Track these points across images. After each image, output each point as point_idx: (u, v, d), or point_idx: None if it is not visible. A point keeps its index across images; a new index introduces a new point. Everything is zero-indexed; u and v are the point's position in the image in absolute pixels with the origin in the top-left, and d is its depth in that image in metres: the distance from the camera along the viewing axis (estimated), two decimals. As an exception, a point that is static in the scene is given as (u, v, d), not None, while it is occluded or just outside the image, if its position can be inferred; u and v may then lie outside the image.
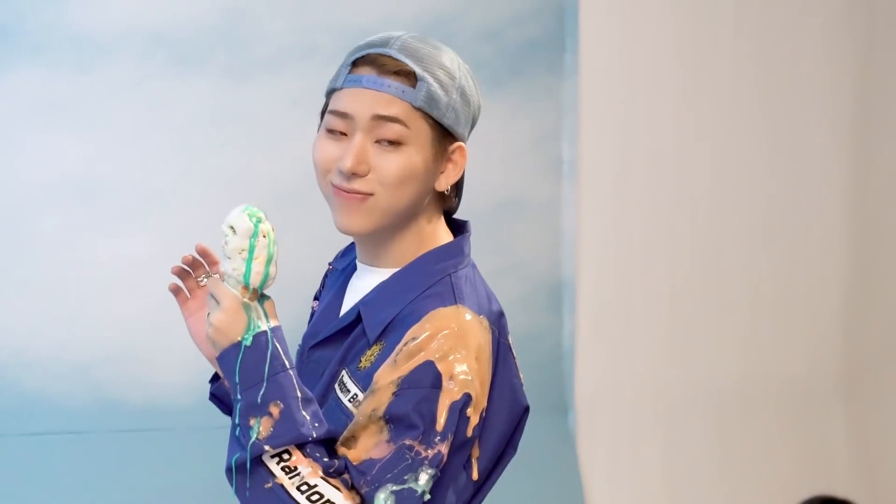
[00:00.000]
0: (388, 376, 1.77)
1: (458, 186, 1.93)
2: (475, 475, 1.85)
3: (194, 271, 1.96)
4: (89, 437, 4.01)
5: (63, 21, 3.96)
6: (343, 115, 1.83)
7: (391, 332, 1.83)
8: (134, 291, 3.99)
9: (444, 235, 1.92)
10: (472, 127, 1.92)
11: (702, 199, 4.36)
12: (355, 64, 1.84)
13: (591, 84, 4.21)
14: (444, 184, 1.87)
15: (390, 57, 1.83)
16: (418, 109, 1.82)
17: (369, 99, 1.81)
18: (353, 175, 1.81)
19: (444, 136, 1.85)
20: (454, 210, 1.96)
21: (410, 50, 1.84)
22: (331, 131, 1.84)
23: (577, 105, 4.21)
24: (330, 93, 1.87)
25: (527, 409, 1.91)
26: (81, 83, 3.97)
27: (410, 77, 1.82)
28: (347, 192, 1.82)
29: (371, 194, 1.82)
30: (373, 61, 1.83)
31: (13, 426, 3.97)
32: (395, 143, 1.81)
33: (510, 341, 1.90)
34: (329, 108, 1.86)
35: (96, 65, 3.98)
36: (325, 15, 4.05)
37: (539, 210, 4.24)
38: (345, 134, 1.83)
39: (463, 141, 1.88)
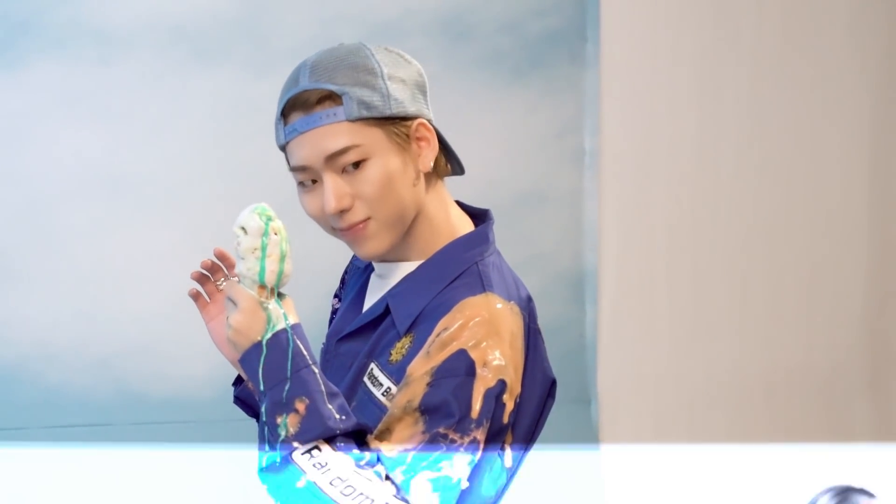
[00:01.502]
0: (421, 367, 1.77)
1: (445, 151, 1.92)
2: (509, 461, 1.85)
3: (213, 275, 1.97)
4: (111, 429, 4.02)
5: (84, 15, 3.96)
6: (301, 169, 1.85)
7: (421, 324, 1.84)
8: (155, 285, 4.00)
9: (460, 218, 1.93)
10: (425, 94, 1.90)
11: (724, 189, 4.35)
12: (284, 114, 1.85)
13: (612, 75, 4.19)
14: (426, 163, 1.87)
15: (307, 91, 1.83)
16: (357, 120, 1.82)
17: (312, 141, 1.82)
18: (342, 212, 1.83)
19: (399, 124, 1.84)
20: (457, 168, 1.95)
21: (319, 72, 1.84)
22: (302, 184, 1.87)
23: (599, 96, 4.20)
24: (282, 149, 1.89)
25: (554, 383, 1.92)
26: (102, 76, 3.97)
27: (333, 97, 1.82)
28: (348, 228, 1.84)
29: (367, 219, 1.84)
30: (294, 104, 1.84)
31: (37, 419, 3.99)
32: (359, 163, 1.82)
33: (539, 326, 1.90)
34: (289, 166, 1.88)
35: (117, 58, 3.98)
36: (346, 7, 4.05)
37: (561, 201, 4.24)
38: (315, 180, 1.85)
39: (421, 116, 1.87)
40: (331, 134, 1.82)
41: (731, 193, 4.36)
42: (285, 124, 1.85)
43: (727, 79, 4.33)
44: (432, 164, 1.88)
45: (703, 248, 4.33)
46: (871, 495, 1.37)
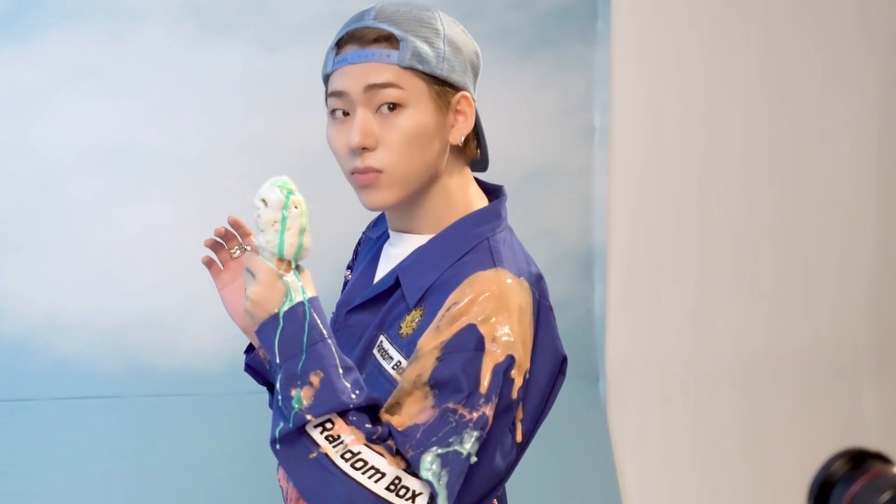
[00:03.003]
0: (431, 342, 1.78)
1: (477, 137, 1.94)
2: (519, 437, 1.86)
3: (227, 243, 1.97)
4: (120, 401, 4.02)
5: (95, -13, 3.95)
6: (339, 94, 1.85)
7: (431, 297, 1.84)
8: (165, 257, 3.99)
9: (478, 199, 1.93)
10: (475, 73, 1.92)
11: (732, 168, 4.33)
12: (339, 45, 1.87)
13: (622, 52, 4.18)
14: (457, 136, 1.88)
15: (368, 28, 1.85)
16: (408, 68, 1.83)
17: (358, 72, 1.84)
18: (364, 150, 1.83)
19: (444, 88, 1.86)
20: (483, 164, 1.97)
21: (386, 15, 1.86)
22: (334, 113, 1.87)
23: (609, 73, 4.18)
24: (325, 80, 1.89)
25: (565, 360, 1.92)
26: (113, 50, 3.95)
27: (392, 40, 1.84)
28: (362, 172, 1.84)
29: (381, 171, 1.84)
30: (352, 37, 1.85)
31: (45, 390, 3.98)
32: (394, 107, 1.83)
33: (550, 303, 1.91)
34: (327, 93, 1.88)
35: (128, 31, 3.96)
36: (356, -18, 4.03)
37: (570, 178, 4.22)
38: (347, 113, 1.85)
39: (466, 90, 1.88)
40: (378, 69, 1.83)
41: (741, 172, 4.34)
42: (336, 54, 1.87)
43: (737, 57, 4.31)
44: (462, 139, 1.88)
45: (711, 227, 4.32)
46: (887, 461, 1.36)
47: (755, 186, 4.35)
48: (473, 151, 1.93)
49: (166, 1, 3.97)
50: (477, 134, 1.93)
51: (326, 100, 1.89)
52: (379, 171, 1.83)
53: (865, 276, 4.49)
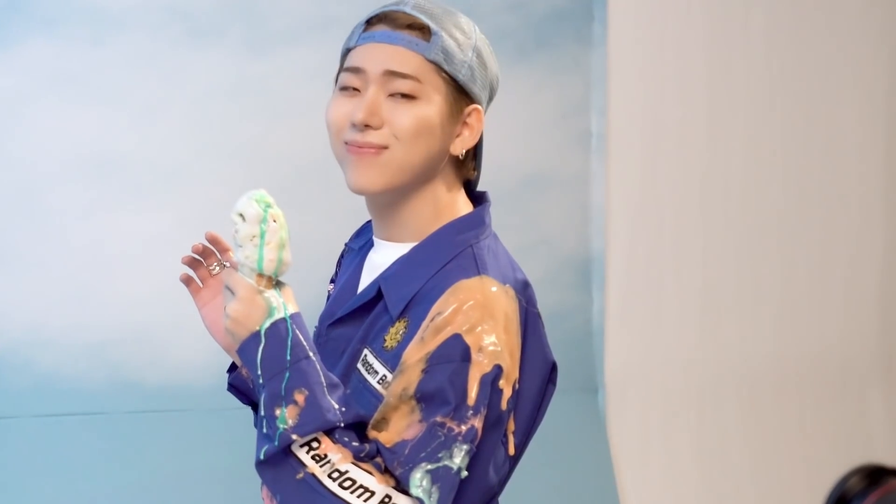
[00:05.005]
0: (416, 354, 1.74)
1: (476, 156, 1.91)
2: (512, 450, 1.83)
3: (205, 260, 1.93)
4: (105, 418, 4.00)
5: (76, -8, 3.93)
6: (356, 70, 1.82)
7: (414, 308, 1.80)
8: (150, 270, 3.99)
9: (464, 207, 1.89)
10: (491, 96, 1.90)
11: (734, 173, 4.34)
12: (369, 22, 1.84)
13: (619, 55, 4.17)
14: (459, 147, 1.85)
15: (403, 13, 1.83)
16: (432, 62, 1.81)
17: (382, 53, 1.81)
18: (366, 127, 1.79)
19: (460, 95, 1.83)
20: (474, 183, 1.93)
21: (424, 8, 1.84)
22: (344, 89, 1.84)
23: (606, 76, 4.17)
24: (344, 54, 1.86)
25: (554, 367, 1.89)
26: (95, 56, 3.96)
27: (424, 31, 1.82)
28: (361, 146, 1.80)
29: (385, 147, 1.80)
30: (385, 17, 1.84)
31: (28, 407, 3.96)
32: (408, 97, 1.80)
33: (538, 310, 1.86)
34: (343, 67, 1.85)
35: (110, 38, 3.96)
36: (345, -14, 4.02)
37: (567, 185, 4.22)
38: (358, 90, 1.82)
39: (479, 104, 1.86)
40: (403, 56, 1.80)
41: (742, 176, 4.35)
42: (364, 30, 1.84)
43: (737, 59, 4.31)
44: (463, 153, 1.85)
45: (712, 233, 4.33)
46: None
47: (758, 191, 4.36)
48: (470, 171, 1.90)
49: (149, 5, 3.97)
50: (476, 155, 1.90)
51: (339, 74, 1.86)
52: (382, 147, 1.80)
53: (873, 283, 4.50)
